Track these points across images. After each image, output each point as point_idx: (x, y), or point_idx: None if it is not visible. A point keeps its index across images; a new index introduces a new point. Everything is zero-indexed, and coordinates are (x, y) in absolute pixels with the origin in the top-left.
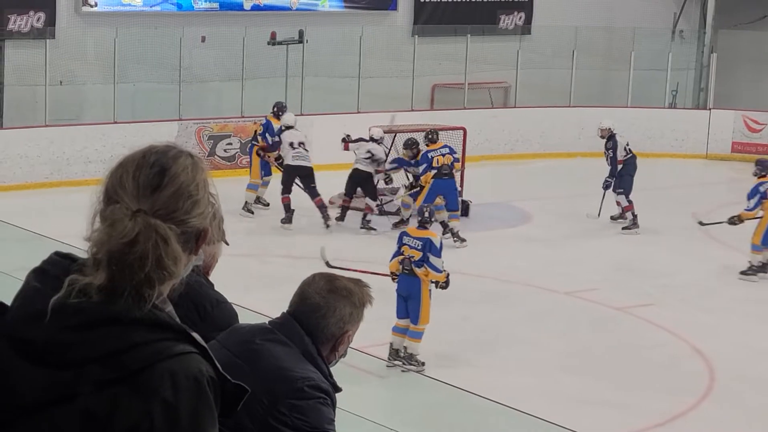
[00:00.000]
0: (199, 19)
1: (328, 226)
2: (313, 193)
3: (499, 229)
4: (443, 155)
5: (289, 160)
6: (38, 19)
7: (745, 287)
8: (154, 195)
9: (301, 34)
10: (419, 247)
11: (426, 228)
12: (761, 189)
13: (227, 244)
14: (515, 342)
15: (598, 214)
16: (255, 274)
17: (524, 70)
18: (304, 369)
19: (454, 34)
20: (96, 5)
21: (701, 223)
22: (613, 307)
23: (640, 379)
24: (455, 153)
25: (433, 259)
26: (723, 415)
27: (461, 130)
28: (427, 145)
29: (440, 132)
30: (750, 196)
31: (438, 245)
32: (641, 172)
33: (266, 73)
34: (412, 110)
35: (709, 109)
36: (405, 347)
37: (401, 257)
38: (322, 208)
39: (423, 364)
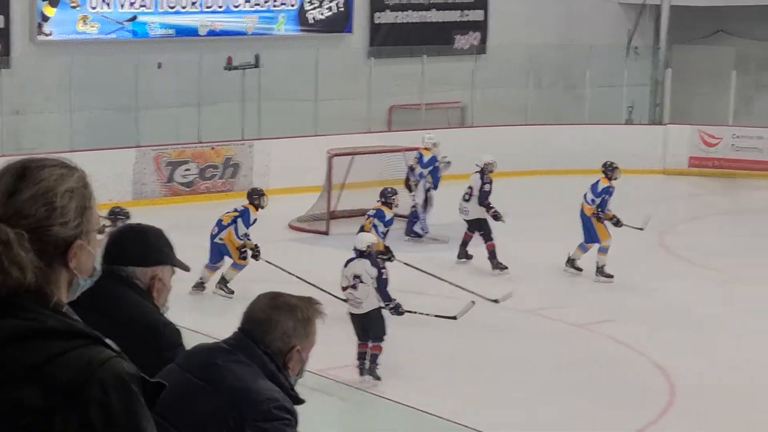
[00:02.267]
0: (155, 45)
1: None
2: None
3: (456, 250)
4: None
5: None
6: None
7: (706, 302)
8: (9, 200)
9: (257, 58)
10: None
11: None
12: None
13: (185, 269)
14: (476, 360)
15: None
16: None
17: (480, 89)
18: (269, 389)
19: (410, 56)
20: (51, 34)
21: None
22: (574, 324)
23: (602, 395)
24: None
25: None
26: (684, 429)
27: (419, 151)
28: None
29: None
30: None
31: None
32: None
33: (223, 98)
34: (370, 132)
35: (665, 125)
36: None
37: None
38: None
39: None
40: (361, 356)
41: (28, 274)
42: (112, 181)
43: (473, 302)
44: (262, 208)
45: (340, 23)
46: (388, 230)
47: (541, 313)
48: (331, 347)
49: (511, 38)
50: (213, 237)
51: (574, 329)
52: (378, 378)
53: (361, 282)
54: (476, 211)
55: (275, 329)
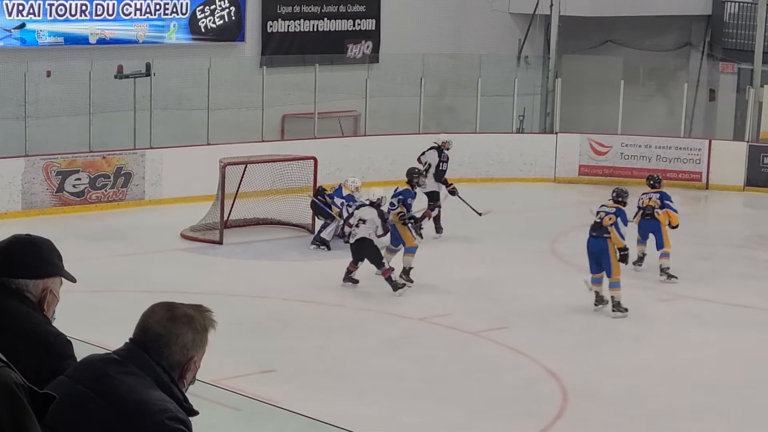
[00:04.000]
0: (44, 53)
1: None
2: None
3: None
4: (650, 198)
5: None
6: None
7: (597, 309)
8: None
9: (148, 66)
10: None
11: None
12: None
13: (72, 280)
14: (372, 370)
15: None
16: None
17: (373, 98)
18: (161, 400)
19: (303, 64)
20: None
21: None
22: (467, 332)
23: (495, 403)
24: (667, 200)
25: (621, 226)
26: None
27: (312, 160)
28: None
29: (291, 162)
30: None
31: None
32: (492, 197)
33: (114, 107)
34: (263, 141)
35: (556, 133)
36: (612, 296)
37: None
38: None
39: (626, 310)
40: (348, 273)
41: None
42: (1, 191)
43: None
44: (419, 186)
45: (232, 32)
46: (411, 204)
47: (434, 321)
48: (222, 357)
49: (404, 47)
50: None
51: (466, 336)
52: (401, 285)
53: (364, 224)
54: (432, 185)
55: (175, 343)
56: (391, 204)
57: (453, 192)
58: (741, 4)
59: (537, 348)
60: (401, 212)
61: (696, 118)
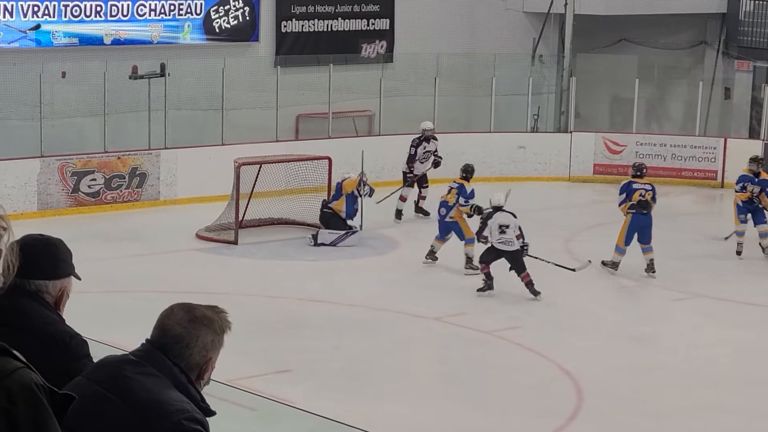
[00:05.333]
0: (59, 54)
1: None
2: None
3: (368, 257)
4: (647, 191)
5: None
6: None
7: (610, 307)
8: None
9: (162, 67)
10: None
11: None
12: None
13: (78, 278)
14: (387, 370)
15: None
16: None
17: (387, 98)
18: (179, 401)
19: (317, 64)
20: None
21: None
22: (482, 331)
23: (510, 402)
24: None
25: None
26: None
27: (326, 160)
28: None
29: (306, 162)
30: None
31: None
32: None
33: (129, 108)
34: (277, 141)
35: (570, 132)
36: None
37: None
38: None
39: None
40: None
41: None
42: (17, 192)
43: (590, 261)
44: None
45: (246, 32)
46: (467, 201)
47: (449, 321)
48: (238, 357)
49: (418, 47)
50: (443, 217)
51: (481, 336)
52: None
53: (508, 228)
54: (420, 168)
55: (196, 344)
56: (465, 202)
57: (437, 164)
58: (756, 1)
59: (552, 347)
60: (474, 206)
61: (711, 117)
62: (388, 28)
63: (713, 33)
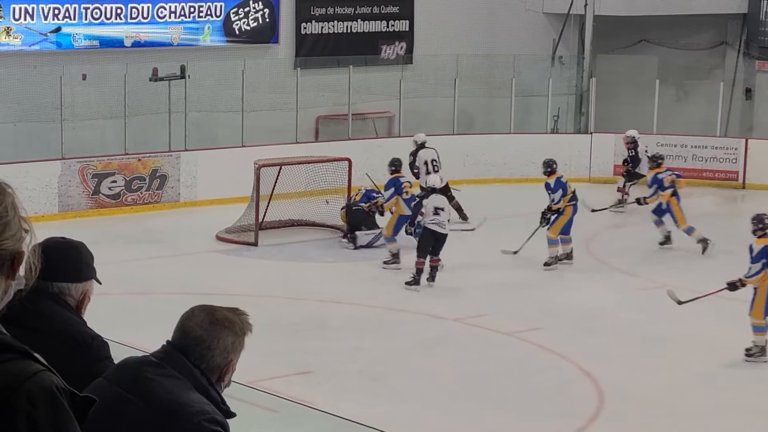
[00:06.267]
0: (80, 56)
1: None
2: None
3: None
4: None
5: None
6: None
7: (630, 307)
8: None
9: (182, 69)
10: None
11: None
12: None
13: (99, 282)
14: (407, 371)
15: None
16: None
17: (407, 99)
18: (199, 402)
19: (337, 66)
20: None
21: (592, 210)
22: (502, 333)
23: (531, 403)
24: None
25: None
26: None
27: (346, 161)
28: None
29: (326, 163)
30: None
31: None
32: (525, 198)
33: (149, 110)
34: (297, 142)
35: (591, 133)
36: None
37: None
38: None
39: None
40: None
41: None
42: (38, 194)
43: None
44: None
45: (266, 34)
46: (555, 195)
47: (469, 322)
48: (258, 359)
49: (437, 48)
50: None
51: (501, 337)
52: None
53: (443, 211)
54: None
55: (217, 346)
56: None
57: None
58: None
59: (572, 348)
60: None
61: (732, 117)
62: (407, 29)
63: (734, 33)
